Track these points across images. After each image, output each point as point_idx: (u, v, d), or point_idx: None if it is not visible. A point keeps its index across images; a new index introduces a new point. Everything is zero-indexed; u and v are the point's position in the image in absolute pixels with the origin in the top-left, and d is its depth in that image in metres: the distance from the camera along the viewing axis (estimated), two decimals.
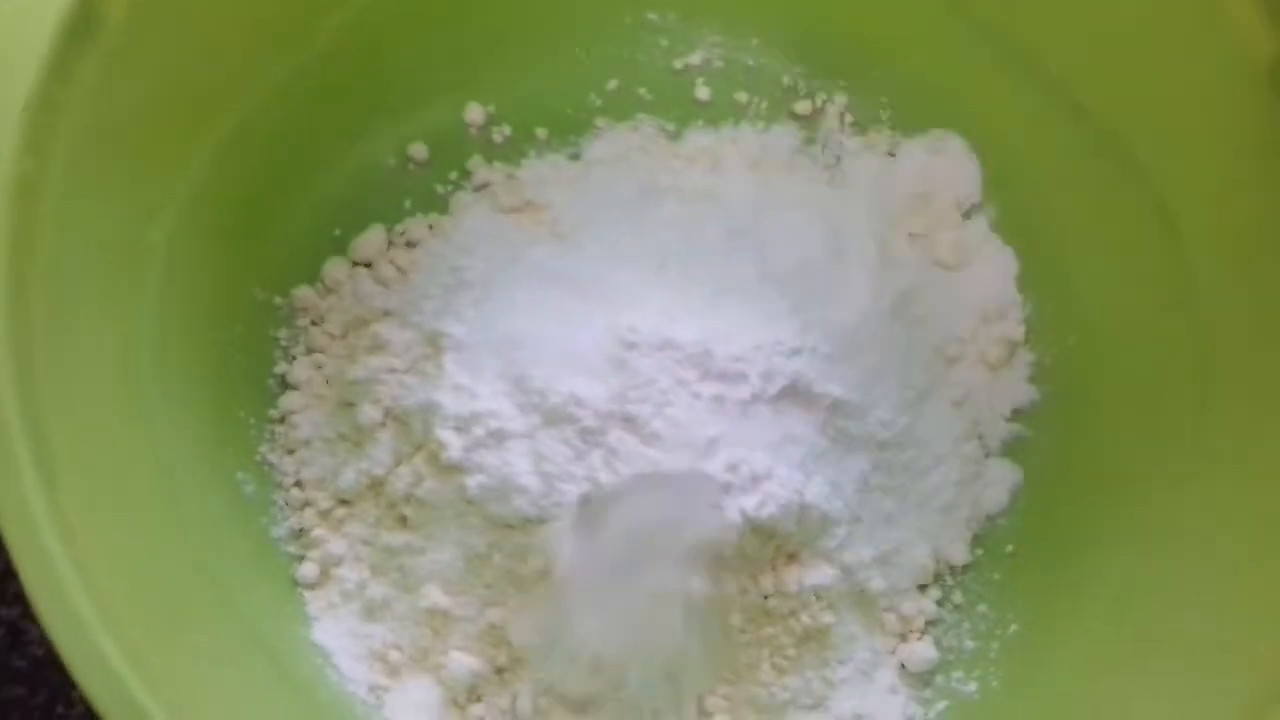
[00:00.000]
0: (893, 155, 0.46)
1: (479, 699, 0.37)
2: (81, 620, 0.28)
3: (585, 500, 0.36)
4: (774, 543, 0.37)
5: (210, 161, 0.38)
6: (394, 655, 0.37)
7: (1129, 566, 0.37)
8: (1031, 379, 0.43)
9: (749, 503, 0.36)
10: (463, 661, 0.36)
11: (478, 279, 0.40)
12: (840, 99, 0.46)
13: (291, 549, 0.38)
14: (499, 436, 0.36)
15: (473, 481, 0.36)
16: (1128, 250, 0.41)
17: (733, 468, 0.36)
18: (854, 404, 0.39)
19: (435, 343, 0.39)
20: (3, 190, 0.30)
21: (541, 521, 0.36)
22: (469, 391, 0.37)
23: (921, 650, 0.39)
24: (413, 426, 0.38)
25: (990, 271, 0.44)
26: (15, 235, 0.30)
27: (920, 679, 0.39)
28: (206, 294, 0.38)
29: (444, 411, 0.37)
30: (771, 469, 0.36)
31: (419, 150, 0.44)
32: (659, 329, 0.37)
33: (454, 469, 0.36)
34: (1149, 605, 0.36)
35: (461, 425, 0.37)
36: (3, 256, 0.30)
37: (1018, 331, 0.43)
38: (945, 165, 0.45)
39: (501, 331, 0.38)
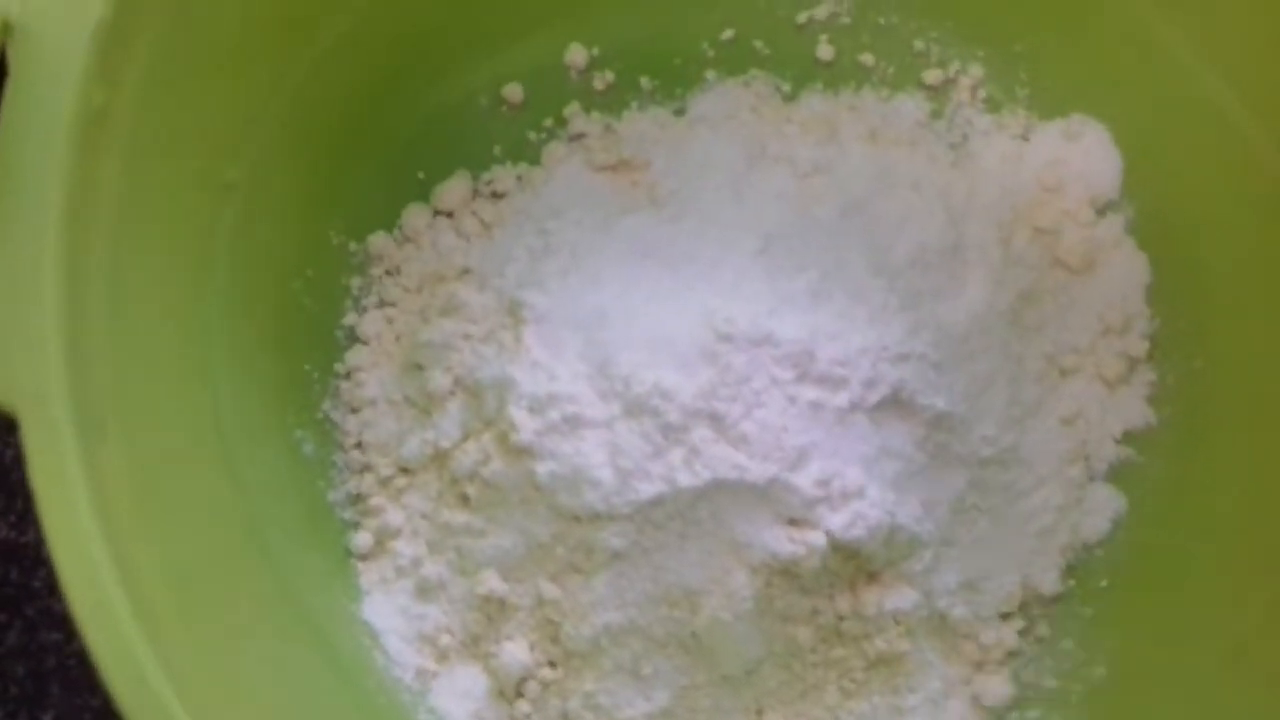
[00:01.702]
0: (1025, 139, 0.42)
1: (527, 694, 0.35)
2: (99, 579, 0.26)
3: (659, 501, 0.33)
4: (855, 562, 0.35)
5: (294, 92, 0.36)
6: (444, 639, 0.35)
7: (1241, 627, 0.35)
8: (1150, 400, 0.40)
9: (837, 522, 0.33)
10: (515, 653, 0.35)
11: (566, 245, 0.37)
12: (975, 71, 0.43)
13: (347, 515, 0.37)
14: (575, 423, 0.34)
15: (543, 468, 0.34)
16: (1275, 275, 0.37)
17: (823, 483, 0.33)
18: (958, 417, 0.36)
19: (515, 312, 0.36)
20: (69, 124, 0.28)
21: (611, 518, 0.34)
22: (547, 370, 0.35)
23: (997, 685, 0.37)
24: (484, 400, 0.36)
25: (1119, 278, 0.41)
26: (78, 174, 0.28)
27: (993, 714, 0.37)
28: (281, 235, 0.37)
29: (519, 389, 0.35)
30: (864, 487, 0.34)
31: (514, 91, 0.42)
32: (758, 322, 0.34)
33: (524, 452, 0.34)
34: (1263, 676, 0.33)
35: (536, 406, 0.34)
36: (63, 198, 0.27)
37: (1140, 348, 0.40)
38: (1082, 155, 0.42)
39: (588, 307, 0.36)
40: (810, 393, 0.34)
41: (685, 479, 0.33)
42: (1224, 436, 0.38)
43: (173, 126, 0.31)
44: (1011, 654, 0.37)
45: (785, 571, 0.34)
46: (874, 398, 0.35)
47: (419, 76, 0.40)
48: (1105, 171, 0.42)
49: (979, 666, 0.37)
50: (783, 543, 0.33)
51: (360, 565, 0.36)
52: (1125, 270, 0.41)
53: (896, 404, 0.35)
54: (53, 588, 0.38)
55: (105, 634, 0.25)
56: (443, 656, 0.35)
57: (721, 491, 0.33)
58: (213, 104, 0.33)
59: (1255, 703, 0.33)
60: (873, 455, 0.35)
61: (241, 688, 0.29)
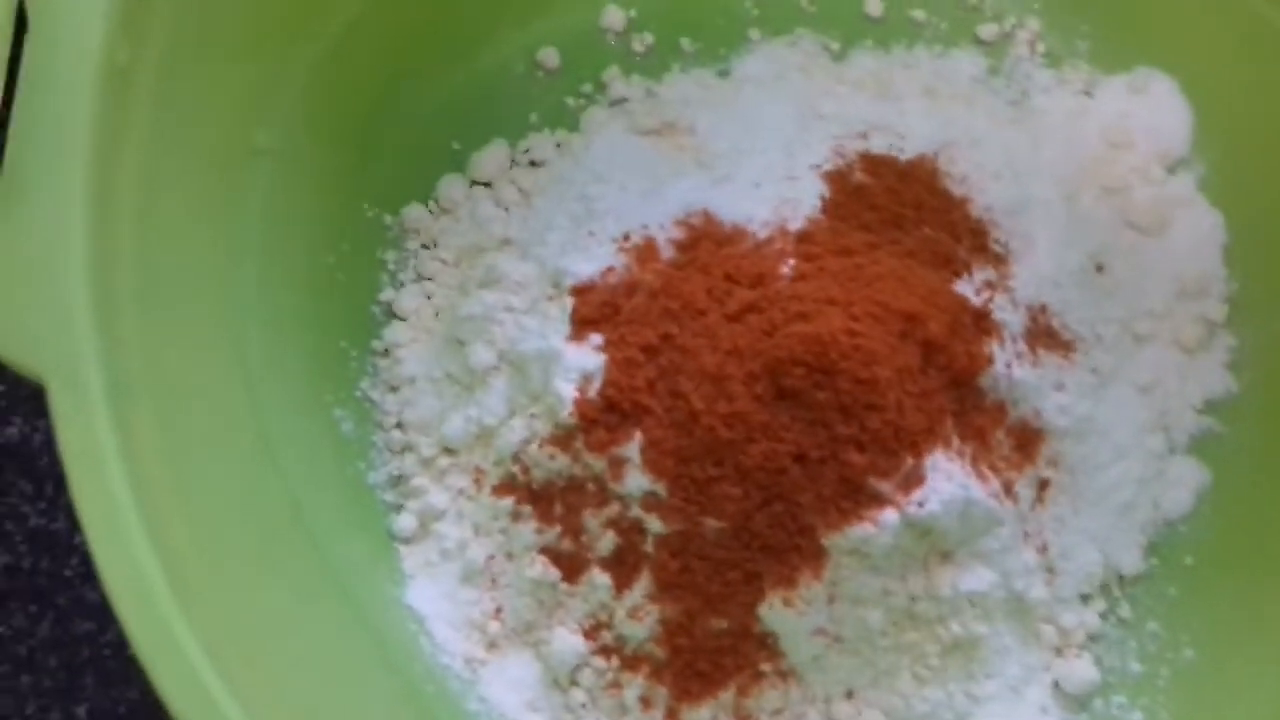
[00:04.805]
0: (1089, 94, 0.41)
1: (581, 683, 0.33)
2: (140, 568, 0.25)
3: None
4: (929, 540, 0.32)
5: (323, 56, 0.35)
6: (493, 626, 0.33)
7: None
8: (1230, 366, 0.38)
9: (908, 498, 0.31)
10: (568, 640, 0.33)
11: (610, 211, 0.35)
12: (1033, 24, 0.41)
13: (389, 497, 0.35)
14: None
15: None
16: None
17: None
18: (1031, 386, 0.34)
19: (559, 283, 0.35)
20: (91, 82, 0.26)
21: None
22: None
23: (1080, 669, 0.35)
24: (530, 375, 0.34)
25: (1193, 238, 0.39)
26: (103, 135, 0.26)
27: (1076, 701, 0.35)
28: (314, 206, 0.35)
29: (566, 362, 0.33)
30: (936, 461, 0.32)
31: (550, 56, 0.40)
32: None
33: (572, 429, 0.32)
34: None
35: (585, 381, 0.32)
36: (88, 158, 0.26)
37: (1219, 311, 0.38)
38: (1149, 110, 0.40)
39: None
40: None
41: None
42: None
43: (198, 86, 0.30)
44: (1093, 637, 0.35)
45: (855, 551, 0.32)
46: None
47: (451, 43, 0.39)
48: (1174, 126, 0.40)
49: (1059, 651, 0.35)
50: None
51: (403, 549, 0.34)
52: (1200, 230, 0.39)
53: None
54: (84, 576, 0.37)
55: (141, 610, 0.24)
56: (492, 644, 0.33)
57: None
58: (238, 65, 0.32)
59: None
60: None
61: (283, 672, 0.27)
